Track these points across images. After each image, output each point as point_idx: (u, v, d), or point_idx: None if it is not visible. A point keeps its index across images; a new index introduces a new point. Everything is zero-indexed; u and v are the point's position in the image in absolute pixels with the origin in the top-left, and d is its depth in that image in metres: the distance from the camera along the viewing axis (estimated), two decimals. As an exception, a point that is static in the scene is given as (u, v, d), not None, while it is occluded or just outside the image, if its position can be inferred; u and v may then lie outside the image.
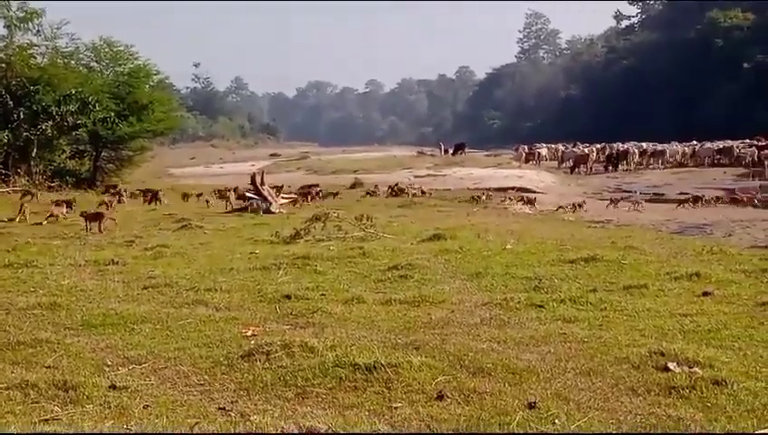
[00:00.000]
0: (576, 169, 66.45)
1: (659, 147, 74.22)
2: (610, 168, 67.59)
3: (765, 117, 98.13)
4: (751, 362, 9.08)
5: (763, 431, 7.10)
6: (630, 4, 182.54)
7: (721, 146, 73.07)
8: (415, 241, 20.72)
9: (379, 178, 49.83)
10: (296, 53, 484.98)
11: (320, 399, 8.09)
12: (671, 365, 8.75)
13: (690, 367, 8.70)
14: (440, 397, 7.96)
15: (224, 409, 7.86)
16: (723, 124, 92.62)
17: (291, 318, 11.74)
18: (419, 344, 9.79)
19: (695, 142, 77.90)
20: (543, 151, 79.65)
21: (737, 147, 71.26)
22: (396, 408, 7.76)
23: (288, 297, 13.05)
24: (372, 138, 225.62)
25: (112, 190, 39.47)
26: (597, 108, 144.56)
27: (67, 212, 29.23)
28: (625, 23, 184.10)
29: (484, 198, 37.67)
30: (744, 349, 9.63)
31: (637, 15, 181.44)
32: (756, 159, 65.59)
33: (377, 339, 10.09)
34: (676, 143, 77.52)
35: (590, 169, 67.04)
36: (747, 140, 73.74)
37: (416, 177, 51.79)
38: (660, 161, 69.68)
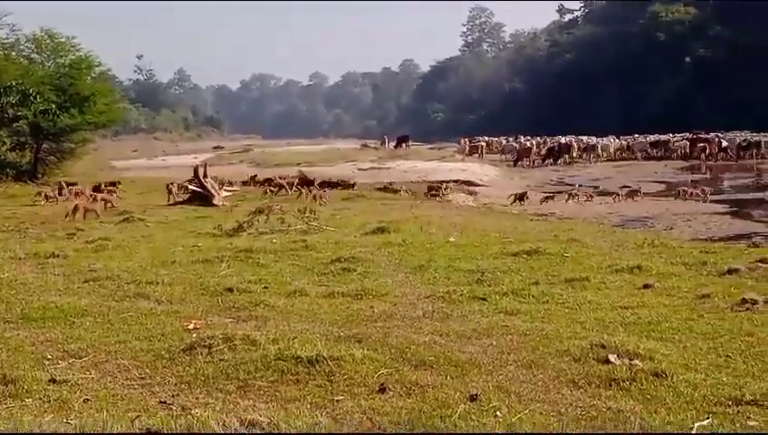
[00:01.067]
0: (519, 163, 66.78)
1: (593, 140, 75.01)
2: (550, 161, 68.05)
3: (706, 110, 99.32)
4: (690, 354, 9.15)
5: (701, 423, 7.16)
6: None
7: (654, 139, 74.09)
8: (358, 234, 20.71)
9: (323, 171, 49.72)
10: (240, 45, 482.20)
11: (261, 392, 8.07)
12: (612, 357, 8.81)
13: (631, 359, 8.76)
14: (382, 390, 7.96)
15: (165, 402, 7.82)
16: (665, 117, 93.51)
17: (233, 311, 11.71)
18: (362, 337, 9.78)
19: (636, 136, 78.72)
20: (484, 144, 79.96)
21: (671, 140, 73.23)
22: (338, 401, 7.75)
23: (230, 290, 13.01)
24: (317, 131, 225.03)
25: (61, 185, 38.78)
26: (540, 101, 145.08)
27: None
28: (568, 17, 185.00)
29: (444, 189, 37.62)
30: (683, 341, 9.70)
31: (580, 9, 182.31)
32: (688, 151, 66.78)
33: (319, 332, 10.06)
34: (614, 137, 78.42)
35: (533, 162, 67.38)
36: (687, 133, 74.62)
37: (359, 169, 51.76)
38: (592, 155, 70.40)
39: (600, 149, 72.39)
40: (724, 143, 68.92)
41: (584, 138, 78.38)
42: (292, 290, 13.03)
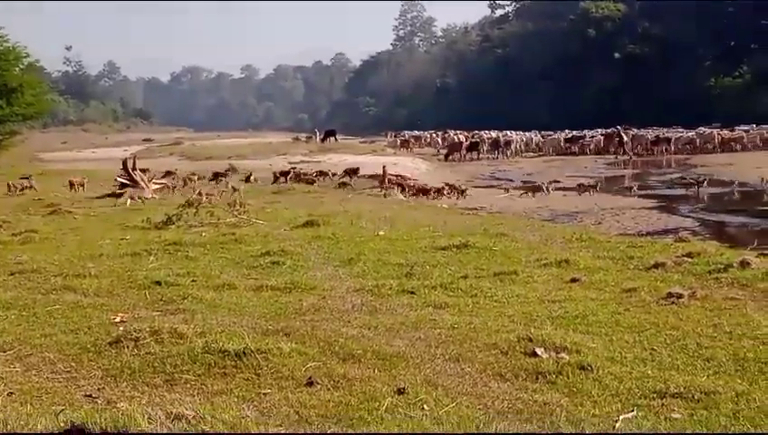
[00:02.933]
0: (450, 157, 66.98)
1: (509, 135, 75.72)
2: (474, 154, 68.49)
3: (634, 105, 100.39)
4: (616, 347, 9.23)
5: (626, 416, 7.22)
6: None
7: (570, 135, 75.32)
8: (288, 227, 20.69)
9: (254, 164, 49.55)
10: (170, 37, 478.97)
11: (188, 385, 8.03)
12: (539, 351, 8.86)
13: (557, 352, 8.82)
14: (310, 383, 7.95)
15: (90, 396, 7.76)
16: (595, 113, 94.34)
17: (161, 304, 11.65)
18: (290, 331, 9.74)
19: (567, 131, 79.46)
20: (413, 138, 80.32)
21: (586, 135, 75.02)
22: (265, 394, 7.73)
23: (158, 283, 12.94)
24: (248, 124, 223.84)
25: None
26: (472, 96, 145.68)
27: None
28: (500, 12, 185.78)
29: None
30: (609, 334, 9.78)
31: (511, 5, 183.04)
32: (602, 146, 68.02)
33: (247, 325, 10.02)
34: (537, 132, 79.07)
35: (463, 156, 67.61)
36: (619, 127, 75.55)
37: (290, 163, 51.50)
38: (508, 151, 71.34)
39: (515, 144, 73.64)
40: (625, 138, 70.59)
41: (509, 132, 78.95)
42: (221, 283, 12.99)
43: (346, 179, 38.67)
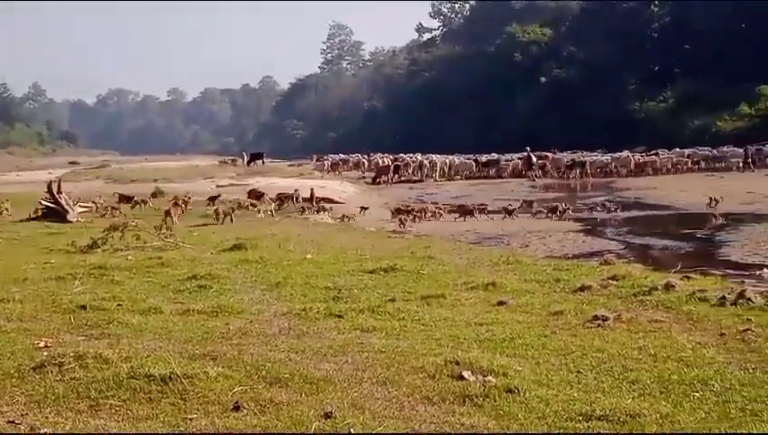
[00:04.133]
0: (378, 180, 67.09)
1: (433, 158, 76.31)
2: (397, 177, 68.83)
3: (560, 128, 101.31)
4: (543, 370, 9.30)
5: None
6: (432, 17, 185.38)
7: (485, 159, 76.83)
8: (215, 251, 20.60)
9: (181, 188, 49.24)
10: (97, 60, 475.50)
11: (113, 411, 7.97)
12: (466, 374, 8.89)
13: (484, 376, 8.87)
14: (236, 408, 7.92)
15: (13, 422, 7.68)
16: (522, 137, 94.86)
17: (86, 329, 11.51)
18: (216, 355, 9.71)
19: (494, 154, 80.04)
20: (340, 162, 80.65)
21: (501, 159, 76.14)
22: (191, 419, 7.69)
23: (83, 308, 12.78)
24: (175, 147, 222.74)
25: None
26: (400, 119, 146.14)
27: None
28: (427, 36, 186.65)
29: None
30: (536, 357, 9.85)
31: (438, 29, 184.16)
32: (520, 169, 69.15)
33: (173, 350, 9.95)
34: (460, 156, 79.65)
35: (391, 179, 67.73)
36: (528, 149, 76.80)
37: (218, 186, 51.28)
38: (434, 174, 72.26)
39: (442, 167, 74.28)
40: (534, 161, 72.31)
41: (433, 156, 79.41)
42: (147, 307, 12.86)
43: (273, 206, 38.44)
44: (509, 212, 35.57)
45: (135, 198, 36.97)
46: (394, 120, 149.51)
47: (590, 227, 32.85)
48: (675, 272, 17.00)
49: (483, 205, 37.04)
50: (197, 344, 10.44)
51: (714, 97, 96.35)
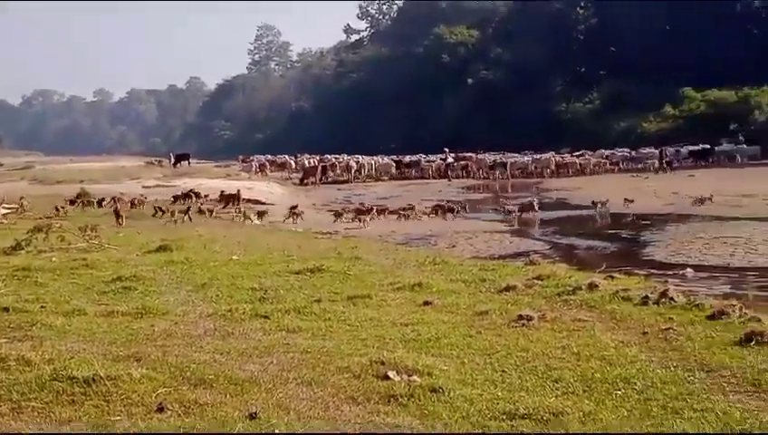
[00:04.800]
0: (305, 181, 67.02)
1: (360, 159, 76.91)
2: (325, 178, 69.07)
3: (487, 130, 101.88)
4: (468, 369, 9.36)
5: None
6: (360, 18, 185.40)
7: (407, 160, 78.00)
8: (140, 252, 20.44)
9: (107, 189, 48.77)
10: (22, 60, 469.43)
11: (36, 413, 7.87)
12: (391, 374, 8.92)
13: (409, 375, 8.89)
14: (160, 409, 7.86)
15: (-67, 426, 7.56)
16: (448, 138, 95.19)
17: (8, 331, 11.35)
18: (141, 356, 9.64)
19: (417, 156, 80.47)
20: (258, 163, 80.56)
21: (422, 160, 77.20)
22: (115, 421, 7.62)
23: (6, 310, 12.60)
24: (101, 148, 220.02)
25: None
26: (327, 120, 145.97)
27: None
28: (354, 37, 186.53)
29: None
30: (461, 357, 9.90)
31: (366, 30, 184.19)
32: (443, 170, 70.74)
33: (97, 351, 9.86)
34: (385, 156, 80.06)
35: (318, 180, 67.73)
36: (446, 150, 78.05)
37: (144, 187, 50.88)
38: (360, 175, 73.17)
39: (369, 168, 75.31)
40: (449, 159, 75.13)
41: (360, 157, 79.75)
42: (71, 309, 12.72)
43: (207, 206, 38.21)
44: (441, 212, 35.84)
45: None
46: (322, 120, 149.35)
47: (516, 228, 33.09)
48: (599, 272, 17.16)
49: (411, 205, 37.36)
50: (122, 346, 10.35)
51: (639, 99, 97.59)
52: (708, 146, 75.88)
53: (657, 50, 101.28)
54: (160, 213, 31.92)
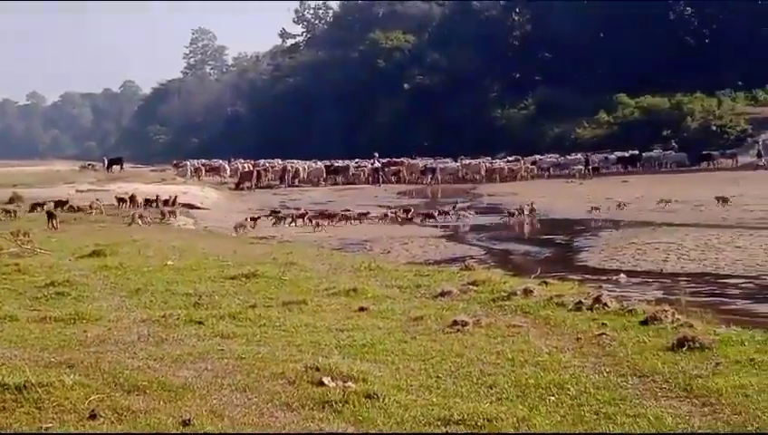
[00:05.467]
0: (241, 186, 66.82)
1: (295, 164, 77.50)
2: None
3: (424, 135, 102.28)
4: (402, 375, 9.36)
5: None
6: (296, 23, 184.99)
7: (336, 165, 78.46)
8: (74, 257, 20.27)
9: (41, 193, 48.32)
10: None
11: (-35, 421, 7.77)
12: (326, 380, 8.90)
13: (344, 381, 8.88)
14: (93, 416, 7.81)
15: None
16: (384, 143, 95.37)
17: (-62, 338, 11.22)
18: (73, 363, 9.55)
19: (358, 160, 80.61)
20: (193, 168, 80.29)
21: (350, 166, 77.62)
22: (46, 428, 7.56)
23: (-65, 316, 12.47)
24: (34, 152, 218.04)
25: None
26: (264, 124, 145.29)
27: None
28: (290, 41, 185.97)
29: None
30: (396, 363, 9.91)
31: (302, 35, 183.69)
32: (372, 175, 72.58)
33: (29, 358, 9.78)
34: (317, 162, 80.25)
35: (254, 185, 67.56)
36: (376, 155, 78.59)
37: (78, 191, 50.48)
38: (296, 180, 73.37)
39: (304, 173, 75.73)
40: (376, 164, 75.67)
41: (295, 161, 79.89)
42: (2, 315, 12.61)
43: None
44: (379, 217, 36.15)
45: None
46: (258, 125, 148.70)
47: (451, 233, 33.18)
48: (533, 277, 17.31)
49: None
50: (54, 352, 10.26)
51: (573, 105, 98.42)
52: (637, 152, 77.45)
53: (591, 56, 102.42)
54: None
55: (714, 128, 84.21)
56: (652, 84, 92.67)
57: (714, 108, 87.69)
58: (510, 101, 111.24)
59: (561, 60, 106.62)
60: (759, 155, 74.02)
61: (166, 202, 38.70)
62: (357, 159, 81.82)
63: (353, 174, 75.06)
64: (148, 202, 38.79)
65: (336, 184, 71.91)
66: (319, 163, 79.33)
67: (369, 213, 37.42)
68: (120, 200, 38.67)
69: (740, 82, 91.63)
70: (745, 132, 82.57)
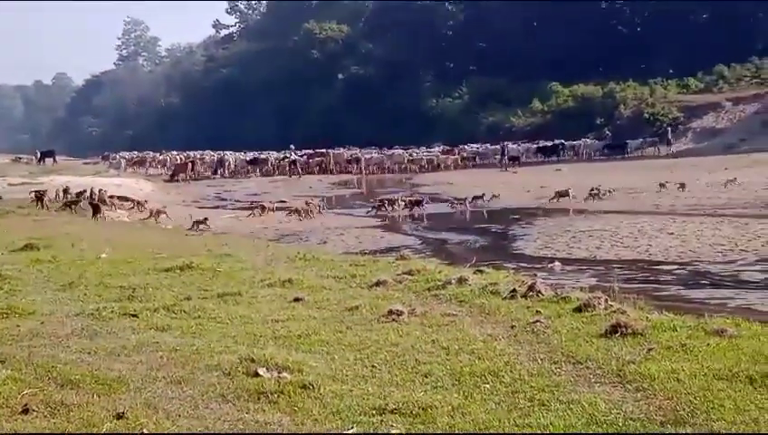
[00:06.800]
0: (175, 178, 66.53)
1: (227, 155, 78.18)
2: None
3: (357, 126, 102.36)
4: (338, 365, 9.35)
5: (346, 433, 7.33)
6: (229, 13, 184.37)
7: (252, 157, 79.27)
8: (6, 251, 20.07)
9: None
10: None
11: None
12: (261, 371, 8.88)
13: (279, 372, 8.86)
14: (25, 411, 7.73)
15: None
16: (320, 133, 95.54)
17: None
18: (5, 357, 9.46)
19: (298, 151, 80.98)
20: (124, 160, 79.93)
21: (270, 158, 78.33)
22: (-23, 424, 7.47)
23: None
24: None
25: None
26: (199, 116, 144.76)
27: None
28: (224, 32, 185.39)
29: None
30: (332, 353, 9.90)
31: (235, 25, 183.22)
32: (289, 167, 73.26)
33: (-40, 353, 9.65)
34: (247, 153, 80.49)
35: (189, 177, 67.30)
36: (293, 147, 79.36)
37: (10, 185, 50.05)
38: (227, 171, 74.09)
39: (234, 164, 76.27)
40: (293, 156, 77.48)
41: (227, 153, 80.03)
42: (-67, 311, 12.42)
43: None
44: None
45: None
46: (192, 116, 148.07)
47: (387, 223, 33.23)
48: (469, 266, 17.37)
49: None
50: (-14, 347, 10.15)
51: (508, 94, 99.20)
52: (559, 141, 79.11)
53: (525, 45, 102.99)
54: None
55: (646, 115, 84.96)
56: (585, 73, 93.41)
57: (646, 96, 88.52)
58: (444, 91, 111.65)
59: (494, 49, 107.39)
60: (668, 143, 75.39)
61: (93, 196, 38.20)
62: (285, 151, 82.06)
63: (277, 165, 75.24)
64: (78, 196, 38.22)
65: (269, 175, 71.80)
66: (247, 155, 79.43)
67: (312, 203, 37.16)
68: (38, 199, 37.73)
69: (671, 70, 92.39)
70: (677, 120, 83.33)
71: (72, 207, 35.69)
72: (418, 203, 37.37)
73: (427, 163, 74.38)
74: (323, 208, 37.17)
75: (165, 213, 33.66)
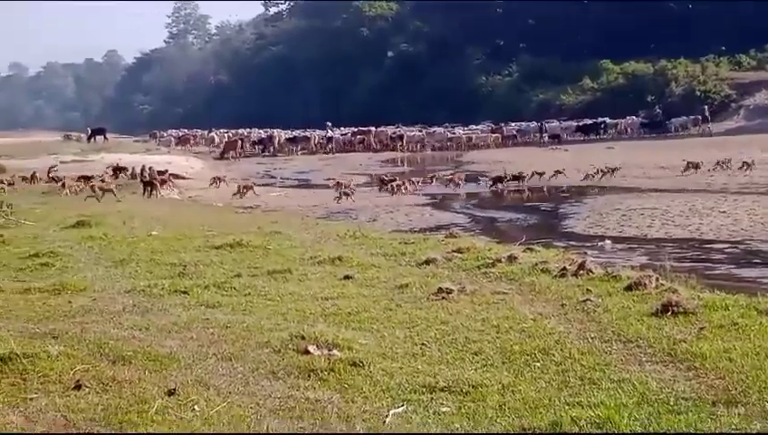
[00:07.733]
0: (225, 155, 66.57)
1: (275, 133, 77.91)
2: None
3: (405, 104, 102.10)
4: (388, 343, 9.37)
5: (396, 411, 7.33)
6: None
7: (292, 135, 79.40)
8: (58, 228, 20.24)
9: (25, 164, 48.18)
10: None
11: (-49, 392, 7.74)
12: (311, 348, 8.90)
13: (329, 350, 8.88)
14: (78, 386, 7.78)
15: None
16: (368, 111, 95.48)
17: None
18: (58, 334, 9.53)
19: (342, 129, 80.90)
20: (173, 138, 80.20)
21: (311, 136, 78.08)
22: (31, 399, 7.53)
23: None
24: (16, 123, 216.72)
25: None
26: (247, 94, 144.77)
27: None
28: (274, 10, 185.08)
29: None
30: (381, 331, 9.91)
31: (285, 3, 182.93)
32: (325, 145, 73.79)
33: (14, 329, 9.72)
34: (296, 130, 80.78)
35: (239, 154, 67.40)
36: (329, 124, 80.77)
37: (62, 162, 50.28)
38: (273, 149, 73.50)
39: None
40: (329, 133, 78.50)
41: (275, 131, 79.91)
42: (-14, 287, 12.55)
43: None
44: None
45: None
46: (242, 94, 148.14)
47: (437, 201, 33.14)
48: (519, 244, 17.30)
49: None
50: (39, 323, 10.23)
51: (558, 72, 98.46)
52: (603, 119, 77.93)
53: (575, 23, 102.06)
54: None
55: (698, 93, 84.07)
56: (636, 50, 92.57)
57: (698, 73, 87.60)
58: (494, 69, 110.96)
59: (544, 27, 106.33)
60: (705, 121, 74.40)
61: (160, 173, 38.16)
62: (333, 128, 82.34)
63: (318, 144, 75.22)
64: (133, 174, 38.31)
65: (292, 152, 72.15)
66: (297, 132, 79.52)
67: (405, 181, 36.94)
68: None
69: (723, 48, 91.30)
70: (729, 97, 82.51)
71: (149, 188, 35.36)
72: (521, 177, 37.13)
73: (466, 141, 73.74)
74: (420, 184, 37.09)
75: (253, 189, 33.79)
